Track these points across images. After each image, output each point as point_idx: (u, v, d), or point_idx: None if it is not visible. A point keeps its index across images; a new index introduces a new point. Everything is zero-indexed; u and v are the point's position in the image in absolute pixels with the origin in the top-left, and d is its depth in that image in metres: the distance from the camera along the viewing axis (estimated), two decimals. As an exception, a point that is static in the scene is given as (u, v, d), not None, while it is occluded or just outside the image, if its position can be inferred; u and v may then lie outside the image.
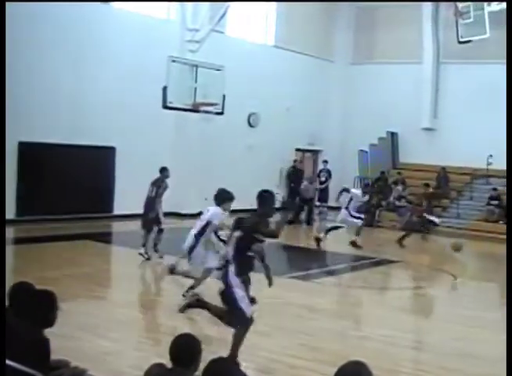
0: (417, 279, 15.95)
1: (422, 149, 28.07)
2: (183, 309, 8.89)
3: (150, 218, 15.23)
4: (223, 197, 10.74)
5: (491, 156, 25.16)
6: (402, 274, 16.41)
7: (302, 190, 25.27)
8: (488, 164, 25.44)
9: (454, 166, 26.34)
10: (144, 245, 14.91)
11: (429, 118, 28.47)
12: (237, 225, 7.95)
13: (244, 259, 7.77)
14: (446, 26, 26.80)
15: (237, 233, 7.80)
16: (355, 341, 9.62)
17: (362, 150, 28.41)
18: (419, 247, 20.22)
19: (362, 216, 18.92)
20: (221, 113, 18.46)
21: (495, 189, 24.54)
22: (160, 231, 15.38)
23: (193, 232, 11.01)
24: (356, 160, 28.49)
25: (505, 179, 24.96)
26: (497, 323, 11.44)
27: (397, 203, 25.26)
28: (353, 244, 18.51)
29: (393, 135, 28.90)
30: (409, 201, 25.13)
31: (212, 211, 10.78)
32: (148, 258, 14.80)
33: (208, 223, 10.80)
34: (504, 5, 22.04)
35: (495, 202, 24.25)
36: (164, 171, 15.56)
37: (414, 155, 28.20)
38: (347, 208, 18.57)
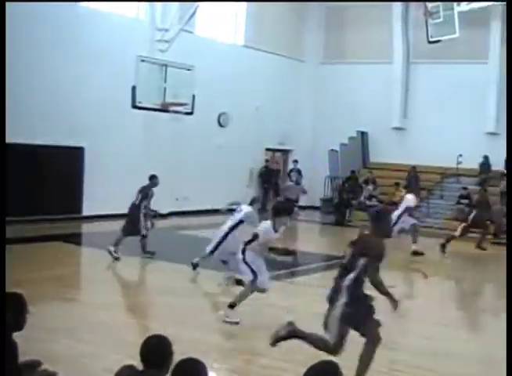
0: (388, 278, 15.92)
1: (392, 148, 28.18)
2: (275, 341, 7.31)
3: (131, 223, 15.13)
4: (279, 209, 9.91)
5: (460, 155, 25.32)
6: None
7: (283, 191, 25.16)
8: (458, 163, 25.60)
9: (424, 165, 26.46)
10: (116, 245, 14.71)
11: (399, 118, 28.61)
12: (361, 249, 7.39)
13: (360, 287, 7.41)
14: (416, 26, 26.92)
15: (363, 260, 7.29)
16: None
17: (332, 150, 28.41)
18: (389, 246, 20.22)
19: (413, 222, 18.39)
20: (190, 113, 18.41)
21: (465, 188, 24.66)
22: (143, 237, 15.27)
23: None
24: (327, 159, 28.48)
25: (474, 178, 25.21)
26: (469, 322, 11.50)
27: (367, 202, 25.32)
28: (415, 253, 17.97)
29: (363, 134, 28.99)
30: (379, 201, 25.25)
31: (263, 226, 9.80)
32: (117, 258, 14.61)
33: (256, 236, 9.76)
34: (473, 5, 22.28)
35: (465, 201, 24.34)
36: (153, 178, 15.40)
37: (384, 154, 28.29)
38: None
